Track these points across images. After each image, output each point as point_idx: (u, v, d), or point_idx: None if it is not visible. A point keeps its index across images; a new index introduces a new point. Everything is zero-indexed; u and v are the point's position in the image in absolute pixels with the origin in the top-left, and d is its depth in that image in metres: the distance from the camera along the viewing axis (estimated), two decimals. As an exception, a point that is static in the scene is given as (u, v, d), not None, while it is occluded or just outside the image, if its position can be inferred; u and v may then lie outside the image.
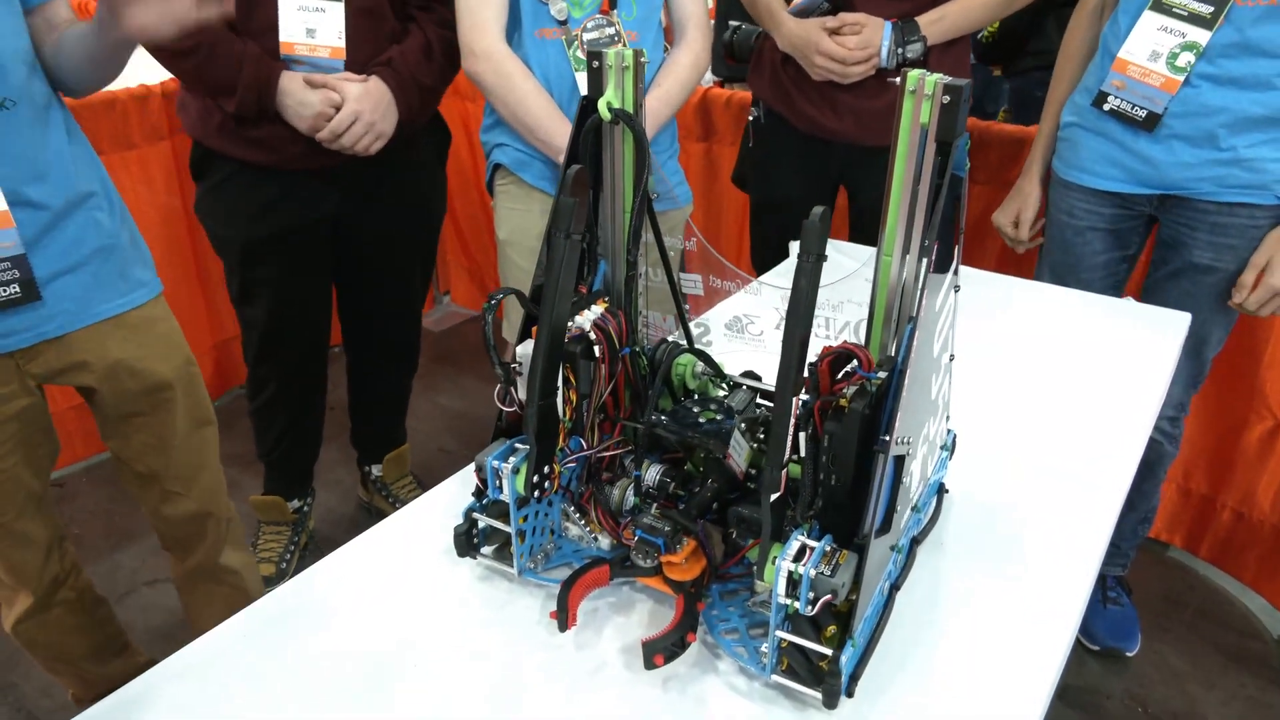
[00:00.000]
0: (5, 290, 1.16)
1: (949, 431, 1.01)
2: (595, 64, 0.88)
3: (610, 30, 1.63)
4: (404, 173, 1.80)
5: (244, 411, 2.03)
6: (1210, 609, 2.07)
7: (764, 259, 2.01)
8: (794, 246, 1.86)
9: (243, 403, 2.07)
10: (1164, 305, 1.51)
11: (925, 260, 0.75)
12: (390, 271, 1.93)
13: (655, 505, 0.90)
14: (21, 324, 1.20)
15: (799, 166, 1.88)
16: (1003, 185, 2.06)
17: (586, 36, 1.62)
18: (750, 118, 1.94)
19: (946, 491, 1.03)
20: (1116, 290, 1.70)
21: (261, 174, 1.68)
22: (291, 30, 1.59)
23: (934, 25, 1.68)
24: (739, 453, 0.84)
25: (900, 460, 0.78)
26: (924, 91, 0.74)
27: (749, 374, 1.00)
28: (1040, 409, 1.23)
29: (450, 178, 2.13)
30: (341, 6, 1.59)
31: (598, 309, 0.93)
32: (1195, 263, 1.58)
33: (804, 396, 0.75)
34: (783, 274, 1.60)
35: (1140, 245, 1.69)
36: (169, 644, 0.95)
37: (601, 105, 0.87)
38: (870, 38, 1.65)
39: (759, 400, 0.95)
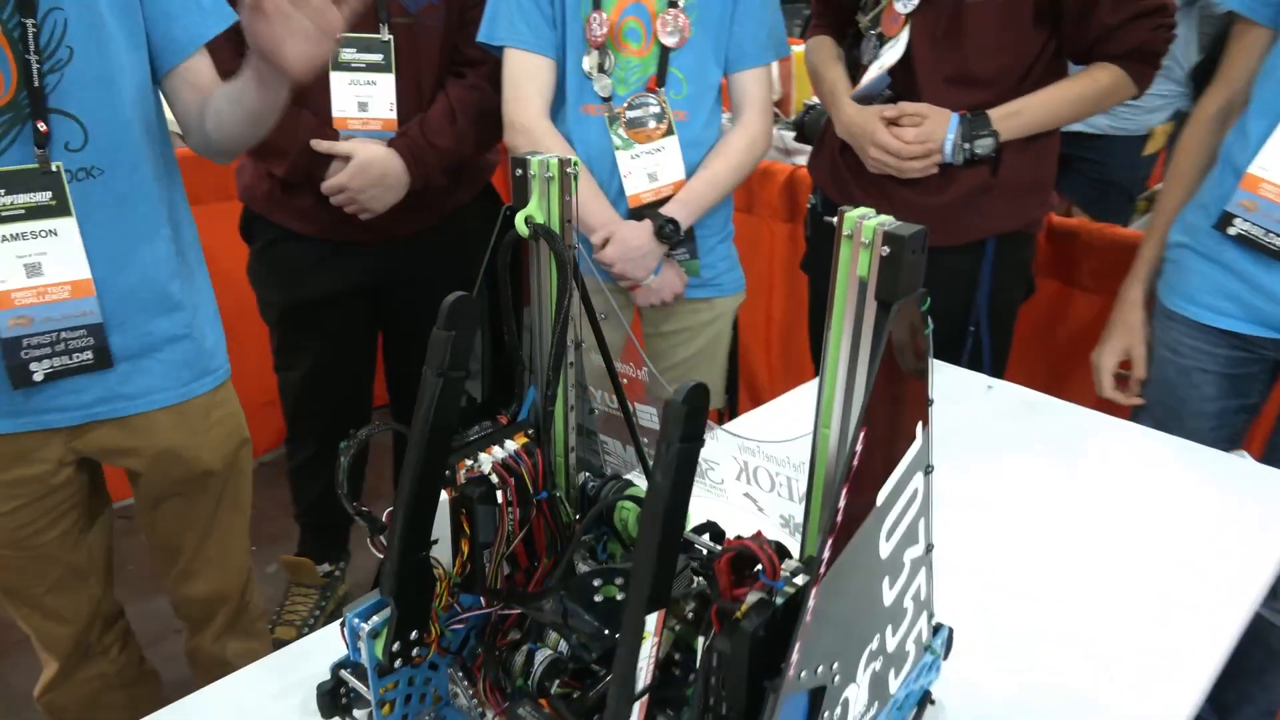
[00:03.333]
0: (78, 356, 1.09)
1: (939, 628, 0.82)
2: (519, 172, 0.77)
3: (654, 109, 1.53)
4: (449, 245, 1.75)
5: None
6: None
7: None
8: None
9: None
10: (1289, 467, 1.24)
11: (855, 446, 0.58)
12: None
13: (557, 683, 0.76)
14: (77, 400, 1.14)
15: None
16: (1111, 292, 1.80)
17: (629, 115, 1.52)
18: (808, 205, 1.78)
19: (933, 702, 0.84)
20: (1230, 443, 1.42)
21: (303, 242, 1.67)
22: (344, 105, 1.58)
23: (1009, 120, 1.48)
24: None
25: (820, 693, 0.62)
26: (860, 239, 0.59)
27: (706, 528, 0.85)
28: (1111, 578, 1.02)
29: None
30: (392, 79, 1.56)
31: (512, 445, 0.81)
32: None
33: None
34: (769, 408, 1.43)
35: (1264, 394, 1.40)
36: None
37: (519, 219, 0.76)
38: (932, 131, 1.46)
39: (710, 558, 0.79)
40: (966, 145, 1.46)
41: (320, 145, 1.53)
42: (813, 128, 1.72)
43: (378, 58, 1.54)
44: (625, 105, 1.52)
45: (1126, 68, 1.47)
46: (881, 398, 0.59)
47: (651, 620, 0.56)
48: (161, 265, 1.17)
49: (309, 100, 1.56)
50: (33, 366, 1.07)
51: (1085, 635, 0.94)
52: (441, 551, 0.77)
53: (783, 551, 0.67)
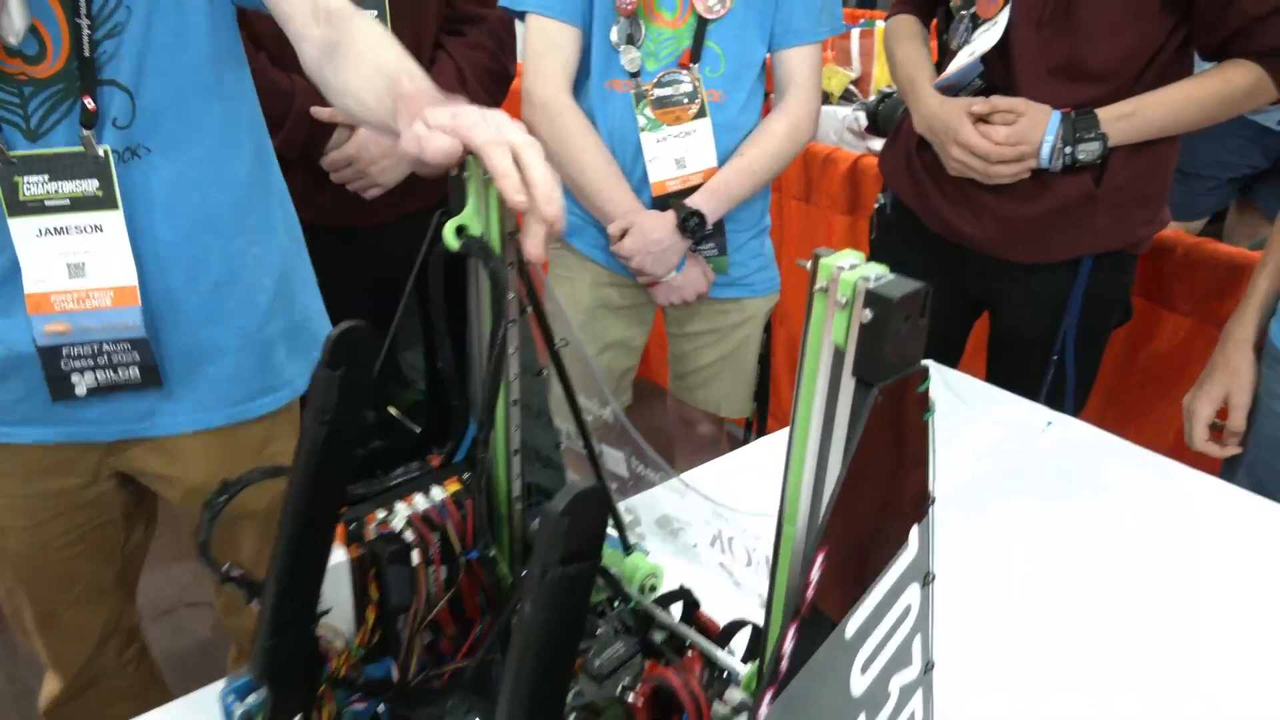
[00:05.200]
0: (124, 372, 0.95)
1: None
2: (455, 171, 0.63)
3: (686, 87, 1.37)
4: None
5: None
6: None
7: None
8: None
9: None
10: None
11: (808, 576, 0.44)
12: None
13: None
14: (114, 414, 0.99)
15: (927, 275, 1.47)
16: (1208, 319, 1.58)
17: (658, 93, 1.36)
18: (876, 205, 1.59)
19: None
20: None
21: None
22: None
23: (1122, 122, 1.26)
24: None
25: None
26: (836, 295, 0.43)
27: (679, 595, 0.71)
28: (1181, 674, 0.85)
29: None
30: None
31: (439, 493, 0.68)
32: None
33: None
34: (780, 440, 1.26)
35: None
36: (184, 673, 0.77)
37: (448, 230, 0.62)
38: (1027, 131, 1.25)
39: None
40: (1068, 150, 1.25)
41: (321, 113, 1.40)
42: (887, 118, 1.53)
43: (371, 13, 1.40)
44: (654, 82, 1.36)
45: (1269, 67, 1.23)
46: (854, 506, 0.44)
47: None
48: (214, 262, 0.99)
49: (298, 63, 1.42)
50: (74, 379, 0.94)
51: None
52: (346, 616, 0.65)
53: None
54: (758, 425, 1.70)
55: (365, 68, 0.78)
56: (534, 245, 0.62)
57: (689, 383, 1.63)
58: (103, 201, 0.91)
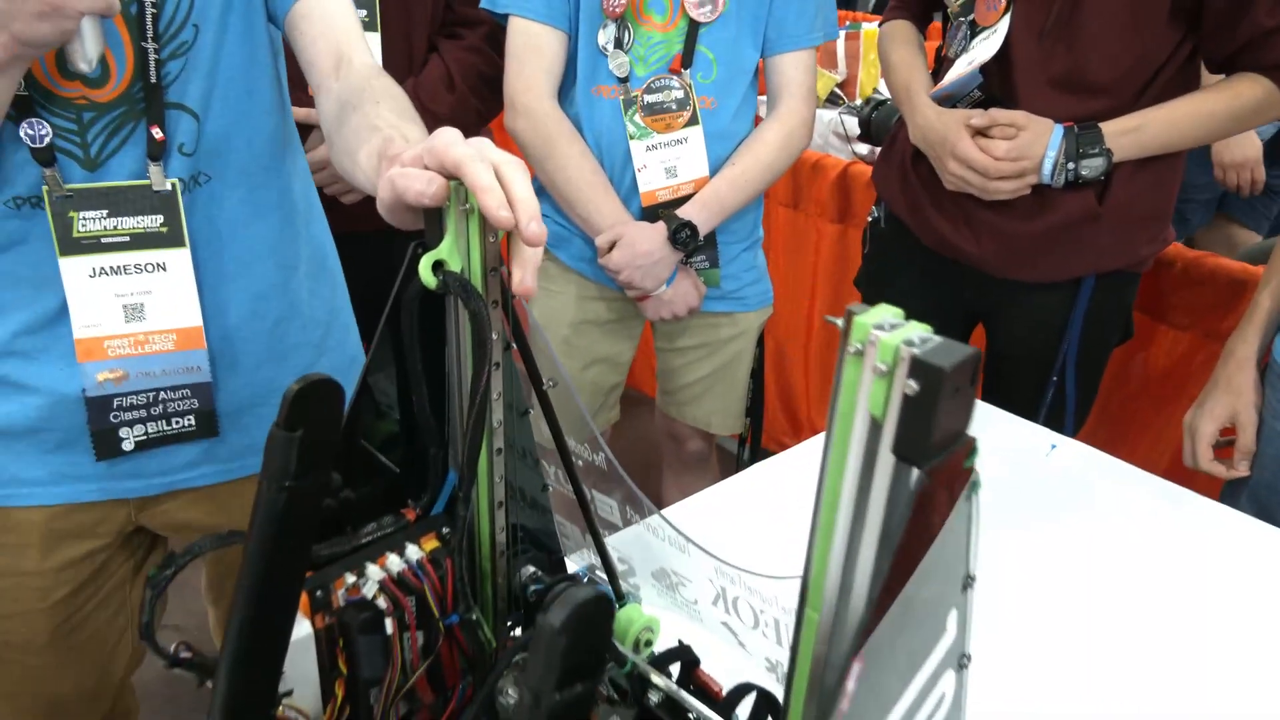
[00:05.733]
0: (178, 422, 0.86)
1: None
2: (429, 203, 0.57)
3: (677, 93, 1.31)
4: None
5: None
6: None
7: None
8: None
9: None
10: None
11: (845, 685, 0.38)
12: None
13: None
14: (161, 463, 0.89)
15: (922, 291, 1.44)
16: (1208, 334, 1.54)
17: (648, 99, 1.30)
18: (869, 218, 1.54)
19: None
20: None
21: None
22: None
23: (1126, 136, 1.21)
24: None
25: None
26: (873, 362, 0.38)
27: (678, 654, 0.65)
28: (1195, 694, 0.80)
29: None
30: (378, 38, 1.36)
31: (414, 552, 0.62)
32: None
33: None
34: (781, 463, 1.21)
35: None
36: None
37: (424, 266, 0.56)
38: (1028, 145, 1.20)
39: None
40: (1071, 165, 1.20)
41: (298, 113, 1.33)
42: (881, 126, 1.47)
43: (362, 14, 1.34)
44: (644, 88, 1.30)
45: None
46: (894, 608, 0.38)
47: None
48: (274, 296, 0.92)
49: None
50: (123, 433, 0.85)
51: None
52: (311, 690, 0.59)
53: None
54: (751, 440, 1.64)
55: (365, 129, 0.72)
56: (527, 276, 0.56)
57: (678, 398, 1.57)
58: (167, 238, 0.83)
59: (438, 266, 0.56)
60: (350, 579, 0.59)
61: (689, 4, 1.28)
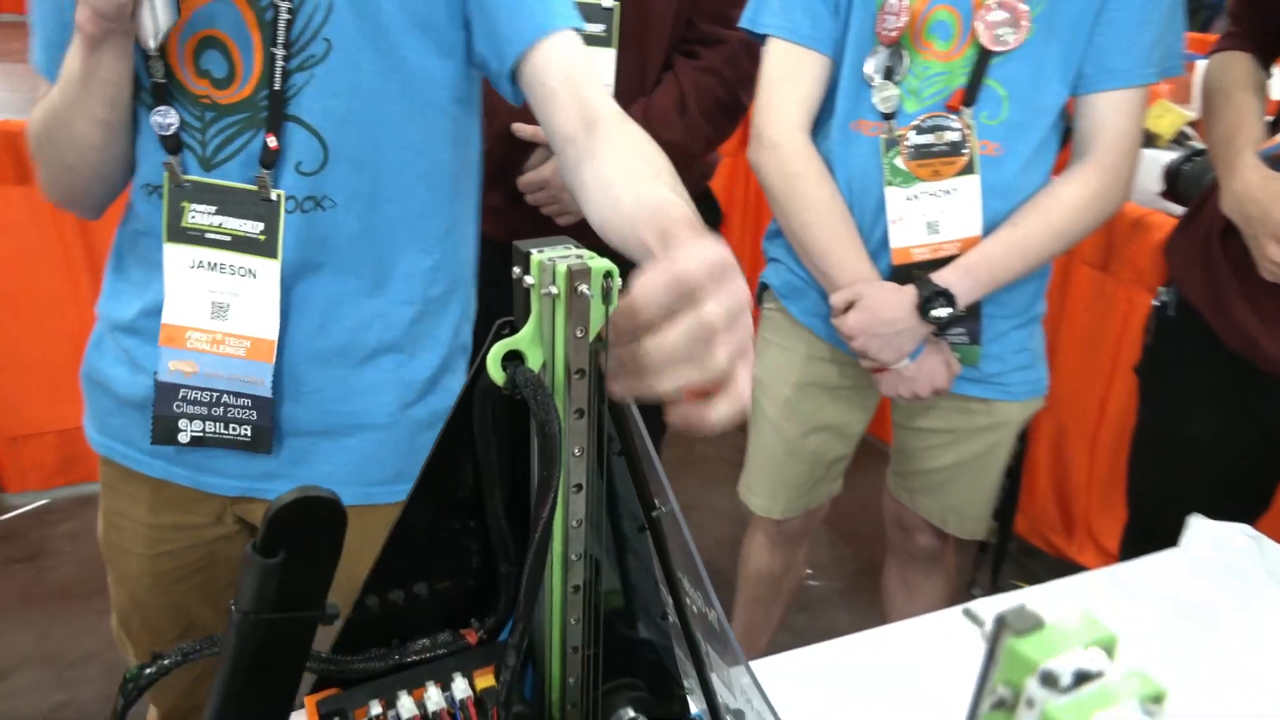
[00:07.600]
0: (235, 429, 0.88)
1: None
2: (518, 270, 0.45)
3: (953, 135, 1.09)
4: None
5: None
6: None
7: (1142, 520, 1.27)
8: (1191, 533, 1.13)
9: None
10: None
11: None
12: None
13: None
14: (232, 468, 0.91)
15: (1215, 405, 1.13)
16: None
17: (916, 140, 1.10)
18: (1155, 303, 1.21)
19: None
20: None
21: (486, 246, 1.42)
22: None
23: None
24: None
25: None
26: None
27: None
28: None
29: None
30: (613, 54, 1.28)
31: (462, 688, 0.51)
32: None
33: None
34: (1031, 596, 0.93)
35: None
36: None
37: (493, 357, 0.44)
38: None
39: None
40: None
41: (523, 131, 1.29)
42: (1192, 183, 1.16)
43: (599, 28, 1.26)
44: (912, 126, 1.10)
45: None
46: None
47: None
48: (379, 328, 0.90)
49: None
50: (181, 424, 0.87)
51: None
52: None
53: None
54: (1000, 554, 1.38)
55: (622, 191, 0.69)
56: (714, 418, 0.46)
57: (911, 484, 1.34)
58: (263, 247, 0.83)
59: (510, 359, 0.44)
60: (375, 709, 0.50)
61: (982, 28, 1.06)
